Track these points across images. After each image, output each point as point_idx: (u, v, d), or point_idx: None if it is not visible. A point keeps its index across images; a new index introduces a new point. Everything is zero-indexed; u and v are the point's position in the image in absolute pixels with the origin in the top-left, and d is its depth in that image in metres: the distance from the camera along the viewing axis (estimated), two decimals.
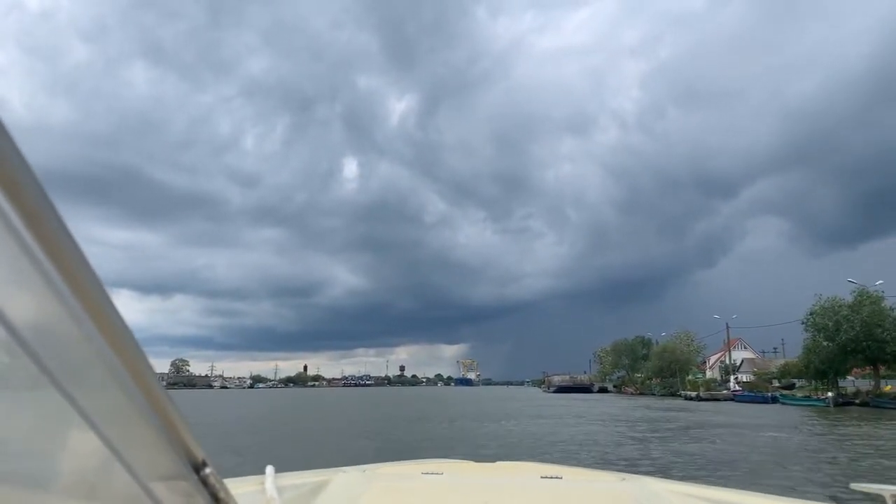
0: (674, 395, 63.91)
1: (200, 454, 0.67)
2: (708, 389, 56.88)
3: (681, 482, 2.14)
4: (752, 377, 64.42)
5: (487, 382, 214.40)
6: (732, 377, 58.60)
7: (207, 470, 0.68)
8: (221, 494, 0.71)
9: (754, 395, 49.44)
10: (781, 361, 67.40)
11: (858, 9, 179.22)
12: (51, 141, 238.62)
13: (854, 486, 1.99)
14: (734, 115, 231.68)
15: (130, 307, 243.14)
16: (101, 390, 0.51)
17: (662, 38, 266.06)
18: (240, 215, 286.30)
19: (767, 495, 1.81)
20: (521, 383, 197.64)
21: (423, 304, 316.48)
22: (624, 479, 2.07)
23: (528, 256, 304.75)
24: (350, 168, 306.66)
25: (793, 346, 75.70)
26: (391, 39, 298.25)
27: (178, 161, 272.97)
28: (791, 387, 54.09)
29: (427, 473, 2.00)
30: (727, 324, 74.16)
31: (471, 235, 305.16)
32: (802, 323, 43.92)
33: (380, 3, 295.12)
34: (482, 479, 2.11)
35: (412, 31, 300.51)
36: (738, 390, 53.49)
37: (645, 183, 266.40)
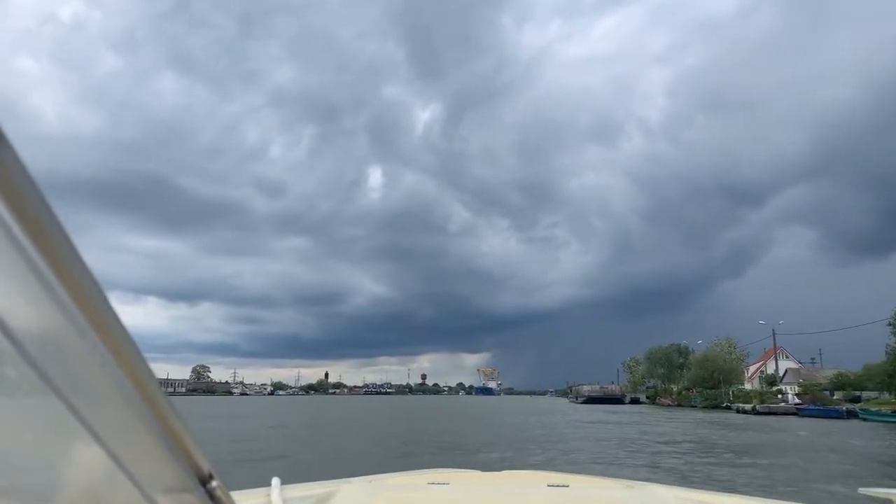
0: (717, 407, 56.75)
1: (207, 466, 0.65)
2: (762, 401, 49.19)
3: (687, 489, 2.06)
4: (796, 388, 56.74)
5: (509, 392, 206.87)
6: (790, 389, 50.77)
7: (214, 483, 0.67)
8: None
9: (824, 409, 41.91)
10: (832, 371, 59.65)
11: (890, 15, 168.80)
12: (82, 150, 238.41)
13: (862, 490, 1.94)
14: (762, 124, 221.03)
15: (157, 314, 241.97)
16: (106, 402, 0.50)
17: (689, 46, 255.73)
18: (265, 224, 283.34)
19: (775, 500, 1.80)
20: (544, 393, 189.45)
21: (446, 313, 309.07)
22: (630, 486, 2.04)
23: (552, 265, 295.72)
24: (375, 177, 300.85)
25: (831, 355, 71.67)
26: (417, 49, 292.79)
27: (206, 170, 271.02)
28: (857, 400, 46.63)
29: (433, 484, 1.93)
30: (773, 330, 66.72)
31: (494, 244, 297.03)
32: (889, 325, 36.50)
33: (406, 13, 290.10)
34: (489, 488, 2.03)
35: (438, 40, 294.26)
36: (801, 403, 45.78)
37: (671, 192, 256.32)
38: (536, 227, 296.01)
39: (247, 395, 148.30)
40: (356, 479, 2.03)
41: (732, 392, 61.26)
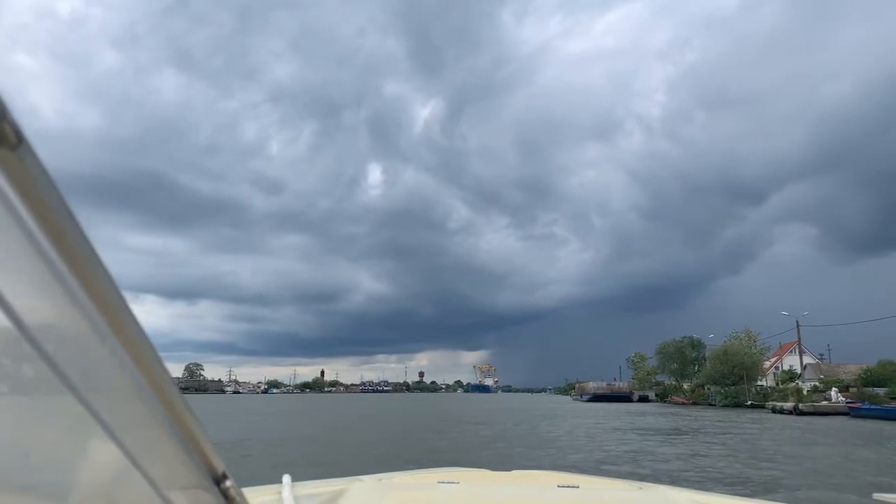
0: (740, 405, 49.44)
1: (221, 466, 0.65)
2: (800, 399, 41.60)
3: (699, 491, 2.02)
4: (816, 384, 49.37)
5: (507, 389, 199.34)
6: (834, 389, 43.16)
7: (228, 482, 0.66)
8: None
9: (885, 408, 34.36)
10: (855, 367, 52.45)
11: (894, 11, 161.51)
12: (80, 147, 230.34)
13: (877, 496, 1.90)
14: (763, 120, 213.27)
15: (156, 313, 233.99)
16: (124, 403, 0.50)
17: (691, 42, 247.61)
18: (264, 221, 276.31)
19: None
20: (542, 390, 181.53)
21: (445, 311, 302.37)
22: (641, 487, 2.00)
23: (551, 263, 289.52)
24: (374, 174, 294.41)
25: (840, 350, 65.71)
26: (417, 45, 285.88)
27: (205, 167, 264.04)
28: None
29: (443, 482, 1.90)
30: (797, 322, 59.30)
31: (494, 242, 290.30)
32: None
33: (406, 9, 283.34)
34: (499, 488, 1.98)
35: (438, 36, 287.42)
36: (853, 402, 38.21)
37: (671, 189, 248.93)
38: (536, 224, 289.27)
39: (240, 393, 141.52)
40: (366, 476, 1.99)
41: (756, 389, 53.79)
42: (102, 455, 0.51)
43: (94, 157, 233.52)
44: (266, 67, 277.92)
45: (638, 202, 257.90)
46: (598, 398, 75.45)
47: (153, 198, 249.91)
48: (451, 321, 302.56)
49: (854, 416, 34.55)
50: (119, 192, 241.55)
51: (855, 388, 44.73)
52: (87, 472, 0.54)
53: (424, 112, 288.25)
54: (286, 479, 1.56)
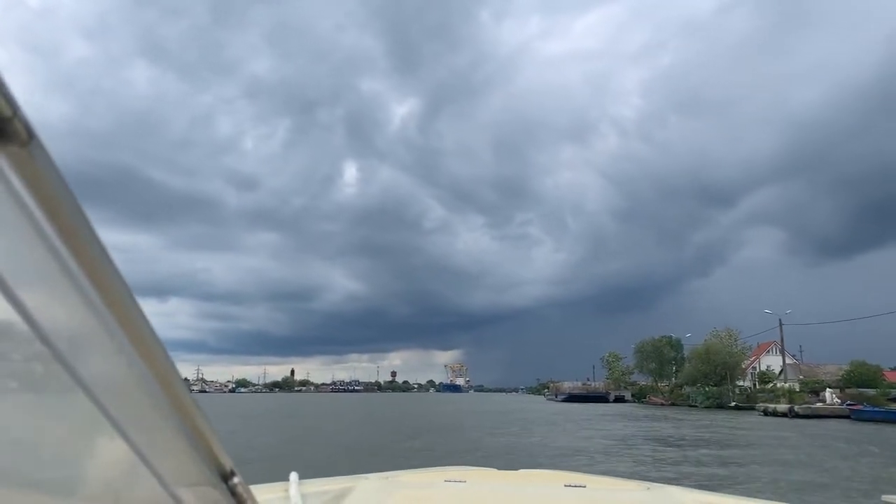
0: (722, 407, 45.75)
1: (228, 463, 0.65)
2: (791, 401, 37.84)
3: (706, 492, 2.00)
4: (796, 385, 46.07)
5: (480, 389, 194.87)
6: (829, 390, 39.61)
7: (236, 479, 0.66)
8: None
9: (892, 412, 30.77)
10: (834, 367, 49.40)
11: (867, 19, 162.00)
12: (48, 139, 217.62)
13: (885, 497, 1.88)
14: (736, 124, 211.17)
15: None
16: (133, 400, 0.50)
17: (666, 45, 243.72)
18: (237, 218, 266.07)
19: None
20: (515, 390, 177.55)
21: (419, 310, 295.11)
22: (649, 488, 1.98)
23: (525, 263, 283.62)
24: (350, 172, 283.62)
25: (809, 352, 63.00)
26: (395, 43, 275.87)
27: (177, 162, 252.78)
28: None
29: (450, 481, 1.89)
30: (780, 320, 55.93)
31: (469, 242, 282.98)
32: None
33: (385, 7, 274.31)
34: (506, 487, 1.97)
35: (416, 35, 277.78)
36: (854, 404, 34.54)
37: (645, 191, 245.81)
38: (511, 224, 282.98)
39: (206, 392, 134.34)
40: (373, 475, 1.97)
41: (738, 390, 50.19)
42: (111, 452, 0.50)
43: (63, 149, 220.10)
44: (241, 62, 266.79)
45: (612, 203, 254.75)
46: (573, 398, 71.32)
47: (123, 193, 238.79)
48: (425, 320, 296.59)
49: (856, 420, 30.95)
50: (88, 186, 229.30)
51: (838, 389, 41.57)
52: (96, 468, 0.53)
53: (401, 110, 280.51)
54: (293, 476, 1.54)
